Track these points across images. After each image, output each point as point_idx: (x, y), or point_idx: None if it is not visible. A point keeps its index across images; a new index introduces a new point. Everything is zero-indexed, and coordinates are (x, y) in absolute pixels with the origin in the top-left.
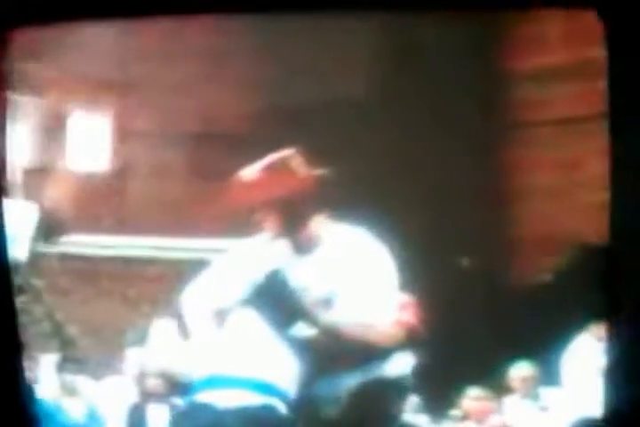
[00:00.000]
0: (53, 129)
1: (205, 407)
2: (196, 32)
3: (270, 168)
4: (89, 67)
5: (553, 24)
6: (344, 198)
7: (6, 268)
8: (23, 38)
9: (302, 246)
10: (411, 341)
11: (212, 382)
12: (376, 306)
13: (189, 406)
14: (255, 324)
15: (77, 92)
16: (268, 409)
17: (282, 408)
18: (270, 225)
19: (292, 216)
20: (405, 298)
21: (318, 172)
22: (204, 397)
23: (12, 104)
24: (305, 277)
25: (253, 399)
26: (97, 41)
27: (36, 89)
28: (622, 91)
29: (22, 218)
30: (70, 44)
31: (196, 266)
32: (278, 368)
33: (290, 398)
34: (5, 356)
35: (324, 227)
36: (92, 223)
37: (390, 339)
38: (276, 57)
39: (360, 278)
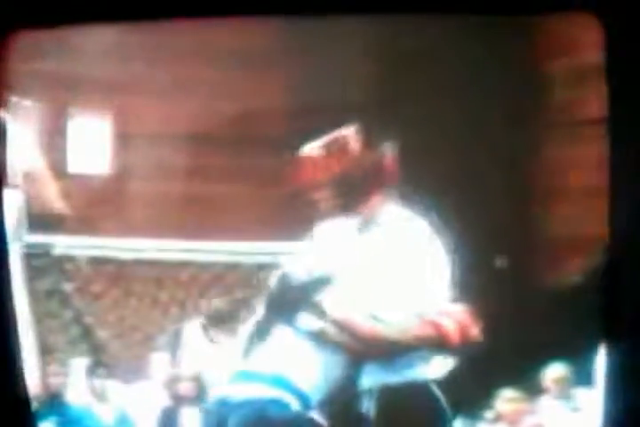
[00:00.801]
0: (58, 131)
1: (219, 401)
2: (204, 34)
3: (330, 146)
4: (92, 68)
5: (586, 26)
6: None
7: (6, 268)
8: (24, 40)
9: (359, 227)
10: (440, 346)
11: (233, 378)
12: (407, 301)
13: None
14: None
15: (81, 93)
16: (276, 403)
17: (294, 404)
18: (328, 204)
19: (350, 195)
20: (450, 304)
21: (377, 151)
22: (219, 391)
23: (14, 105)
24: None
25: (264, 393)
26: (102, 43)
27: (38, 90)
28: (622, 94)
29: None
30: (72, 46)
31: (228, 269)
32: (299, 365)
33: (305, 395)
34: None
35: (380, 209)
36: (124, 226)
37: (415, 340)
38: (307, 59)
39: (401, 270)
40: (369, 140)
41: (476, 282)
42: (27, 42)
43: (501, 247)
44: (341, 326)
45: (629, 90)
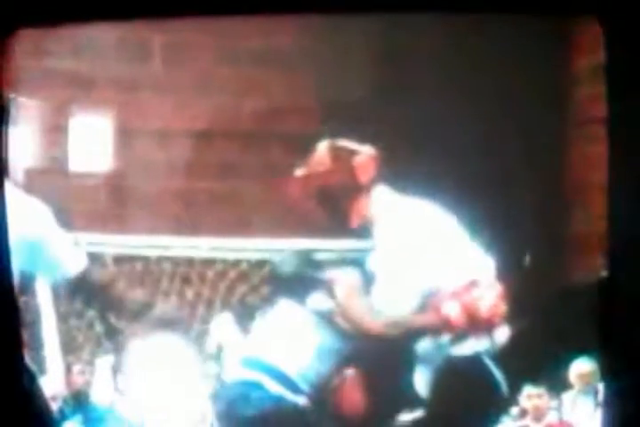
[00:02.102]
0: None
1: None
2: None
3: (309, 163)
4: (94, 66)
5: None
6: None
7: (8, 271)
8: (27, 38)
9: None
10: (446, 331)
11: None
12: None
13: None
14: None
15: (83, 91)
16: (255, 386)
17: (274, 387)
18: (318, 216)
19: (335, 206)
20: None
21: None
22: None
23: (17, 104)
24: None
25: (244, 375)
26: (102, 41)
27: (41, 88)
28: (621, 96)
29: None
30: (75, 44)
31: (256, 266)
32: (294, 350)
33: (289, 379)
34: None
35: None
36: (149, 223)
37: (417, 330)
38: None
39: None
40: (343, 150)
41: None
42: (30, 40)
43: (528, 242)
44: (344, 313)
45: (629, 92)
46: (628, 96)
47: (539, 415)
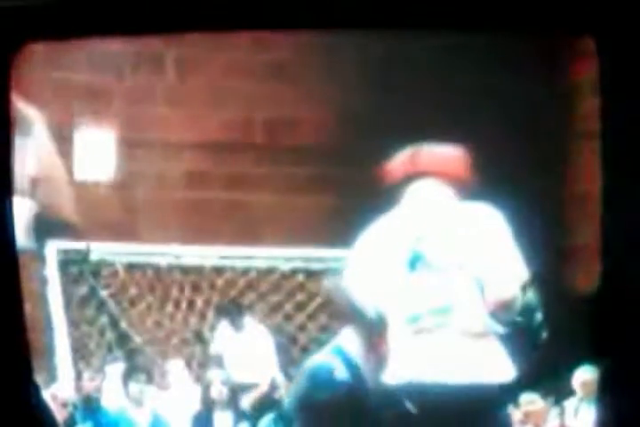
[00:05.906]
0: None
1: None
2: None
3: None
4: (108, 80)
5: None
6: None
7: (13, 277)
8: (35, 52)
9: None
10: None
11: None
12: None
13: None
14: None
15: (98, 104)
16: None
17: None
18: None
19: None
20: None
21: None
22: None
23: (23, 115)
24: None
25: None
26: (117, 54)
27: (53, 100)
28: (615, 111)
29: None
30: (89, 58)
31: (265, 274)
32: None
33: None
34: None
35: None
36: (161, 232)
37: None
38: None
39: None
40: None
41: None
42: (41, 53)
43: (530, 251)
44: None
45: (623, 107)
46: (622, 110)
47: (540, 421)
